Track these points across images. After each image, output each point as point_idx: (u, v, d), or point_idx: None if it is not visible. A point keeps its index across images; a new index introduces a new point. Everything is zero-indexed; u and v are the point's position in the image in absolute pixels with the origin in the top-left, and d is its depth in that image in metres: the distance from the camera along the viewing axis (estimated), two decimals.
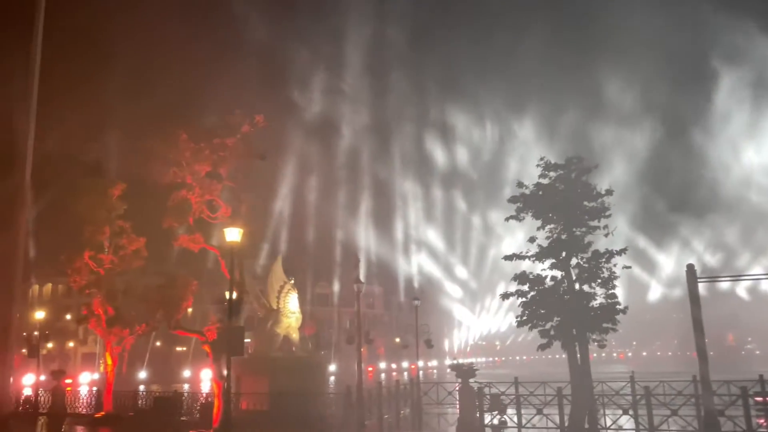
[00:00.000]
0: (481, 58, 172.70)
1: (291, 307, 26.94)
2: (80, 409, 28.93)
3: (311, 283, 76.84)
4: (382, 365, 75.94)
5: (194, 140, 20.02)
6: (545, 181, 19.47)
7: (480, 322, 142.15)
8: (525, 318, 18.58)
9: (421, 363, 40.33)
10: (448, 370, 24.36)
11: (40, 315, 41.49)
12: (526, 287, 18.64)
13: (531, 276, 18.81)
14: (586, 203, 19.04)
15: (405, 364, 77.35)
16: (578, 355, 18.07)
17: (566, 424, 18.17)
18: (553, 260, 18.75)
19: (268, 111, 22.53)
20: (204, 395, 26.79)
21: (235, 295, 21.63)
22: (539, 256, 18.87)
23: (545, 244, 19.03)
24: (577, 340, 17.99)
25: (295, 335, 26.98)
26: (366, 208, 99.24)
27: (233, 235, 14.91)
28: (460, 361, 20.96)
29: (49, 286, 77.26)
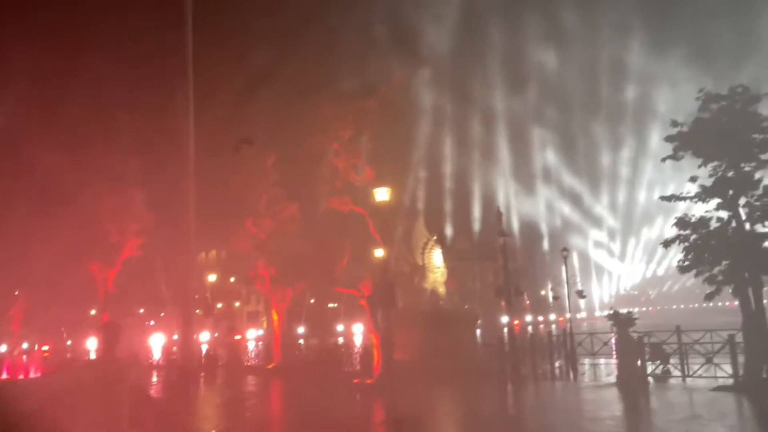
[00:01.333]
0: None
1: (435, 262, 27.54)
2: (253, 361, 32.03)
3: (451, 238, 77.41)
4: (528, 318, 75.26)
5: (337, 107, 20.79)
6: (705, 115, 17.86)
7: (629, 270, 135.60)
8: (688, 263, 17.43)
9: (568, 315, 39.53)
10: (604, 320, 23.66)
11: (212, 278, 45.67)
12: (687, 231, 17.43)
13: (693, 219, 17.53)
14: (755, 136, 17.25)
15: (552, 317, 76.02)
16: (752, 301, 16.72)
17: (740, 374, 17.01)
18: (719, 200, 17.31)
19: (398, 69, 22.80)
20: (359, 347, 28.43)
21: (383, 252, 22.57)
22: (702, 197, 17.49)
23: (708, 183, 17.59)
24: (750, 284, 16.61)
25: (441, 289, 27.61)
26: (500, 157, 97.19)
27: (382, 195, 15.45)
28: (618, 310, 20.24)
29: (214, 252, 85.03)
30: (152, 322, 70.29)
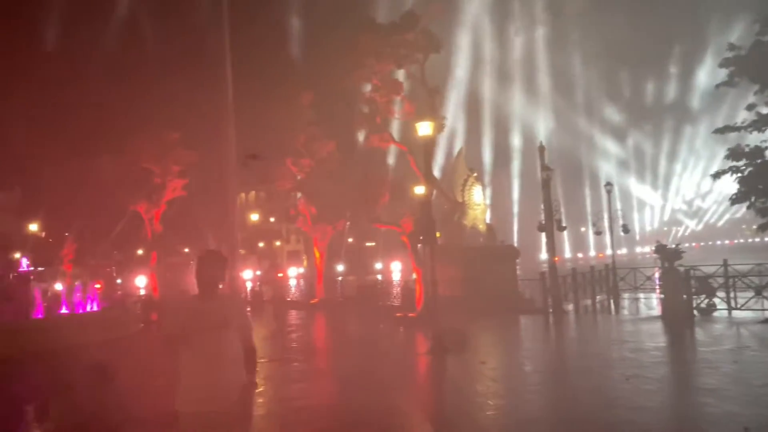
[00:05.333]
0: None
1: (476, 199, 27.37)
2: (296, 296, 32.93)
3: (491, 174, 76.72)
4: (567, 255, 75.02)
5: (375, 40, 20.28)
6: (765, 38, 16.87)
7: (672, 205, 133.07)
8: (741, 194, 16.92)
9: (609, 251, 39.13)
10: (647, 255, 23.34)
11: (255, 217, 46.24)
12: (741, 162, 16.83)
13: (747, 148, 16.88)
14: None
15: (592, 254, 75.53)
16: None
17: None
18: None
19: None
20: (398, 283, 28.88)
21: (424, 189, 22.49)
22: (758, 125, 16.77)
23: (765, 111, 16.83)
24: None
25: (481, 226, 27.54)
26: (542, 93, 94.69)
27: (425, 129, 15.17)
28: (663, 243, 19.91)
29: (253, 193, 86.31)
30: None
